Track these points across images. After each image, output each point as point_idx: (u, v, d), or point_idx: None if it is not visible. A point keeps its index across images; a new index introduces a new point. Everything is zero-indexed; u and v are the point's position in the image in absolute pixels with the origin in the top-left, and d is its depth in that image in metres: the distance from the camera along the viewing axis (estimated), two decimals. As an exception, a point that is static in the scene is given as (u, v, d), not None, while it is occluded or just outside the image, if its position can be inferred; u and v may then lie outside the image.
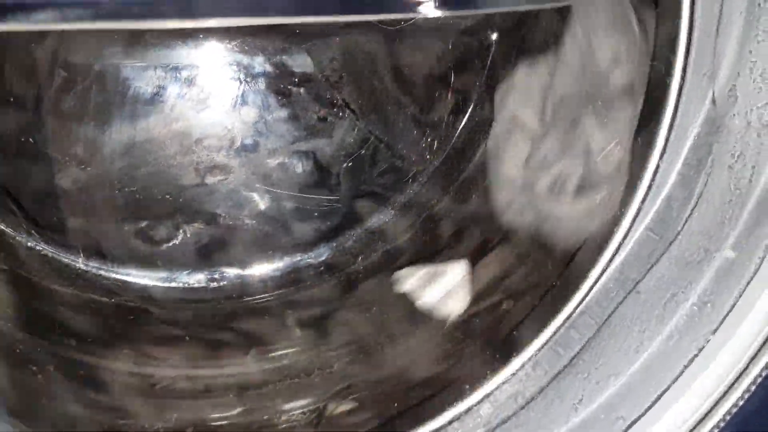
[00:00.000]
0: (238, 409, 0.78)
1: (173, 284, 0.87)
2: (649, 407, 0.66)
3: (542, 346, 0.73)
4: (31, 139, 0.81)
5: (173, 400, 0.78)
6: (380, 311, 0.85)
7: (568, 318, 0.72)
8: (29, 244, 0.83)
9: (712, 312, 0.67)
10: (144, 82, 0.83)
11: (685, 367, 0.66)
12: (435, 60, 0.87)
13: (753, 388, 0.63)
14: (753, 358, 0.64)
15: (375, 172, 0.90)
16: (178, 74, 0.83)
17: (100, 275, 0.85)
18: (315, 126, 0.88)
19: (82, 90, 0.81)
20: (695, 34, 0.68)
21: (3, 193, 0.82)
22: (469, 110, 0.87)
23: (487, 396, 0.72)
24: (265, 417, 0.78)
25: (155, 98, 0.83)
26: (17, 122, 0.81)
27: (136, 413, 0.74)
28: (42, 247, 0.84)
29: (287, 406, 0.79)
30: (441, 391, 0.74)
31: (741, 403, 0.63)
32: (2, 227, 0.82)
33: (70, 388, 0.74)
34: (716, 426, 0.63)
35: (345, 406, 0.76)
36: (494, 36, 0.86)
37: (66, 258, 0.84)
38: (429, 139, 0.90)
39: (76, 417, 0.71)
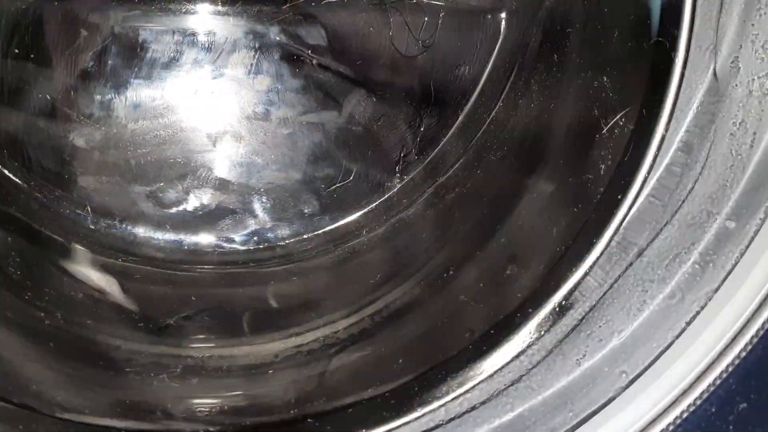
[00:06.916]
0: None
1: (180, 248, 0.88)
2: (652, 362, 0.67)
3: (549, 312, 0.74)
4: (47, 96, 0.83)
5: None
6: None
7: (576, 285, 0.73)
8: (41, 198, 0.83)
9: (713, 271, 0.68)
10: (161, 46, 0.85)
11: (687, 324, 0.68)
12: (451, 38, 0.90)
13: (755, 341, 0.64)
14: (754, 315, 0.66)
15: (383, 144, 0.92)
16: (194, 40, 0.85)
17: (109, 234, 0.86)
18: (325, 98, 0.89)
19: (101, 51, 0.83)
20: (698, 10, 0.71)
21: (17, 148, 0.83)
22: (480, 84, 0.89)
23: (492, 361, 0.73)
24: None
25: (171, 62, 0.85)
26: (35, 78, 0.82)
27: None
28: (52, 203, 0.84)
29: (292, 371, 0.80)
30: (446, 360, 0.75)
31: (744, 354, 0.64)
32: (16, 180, 0.83)
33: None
34: (719, 377, 0.64)
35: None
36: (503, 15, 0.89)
37: (75, 216, 0.85)
38: (437, 115, 0.91)
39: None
